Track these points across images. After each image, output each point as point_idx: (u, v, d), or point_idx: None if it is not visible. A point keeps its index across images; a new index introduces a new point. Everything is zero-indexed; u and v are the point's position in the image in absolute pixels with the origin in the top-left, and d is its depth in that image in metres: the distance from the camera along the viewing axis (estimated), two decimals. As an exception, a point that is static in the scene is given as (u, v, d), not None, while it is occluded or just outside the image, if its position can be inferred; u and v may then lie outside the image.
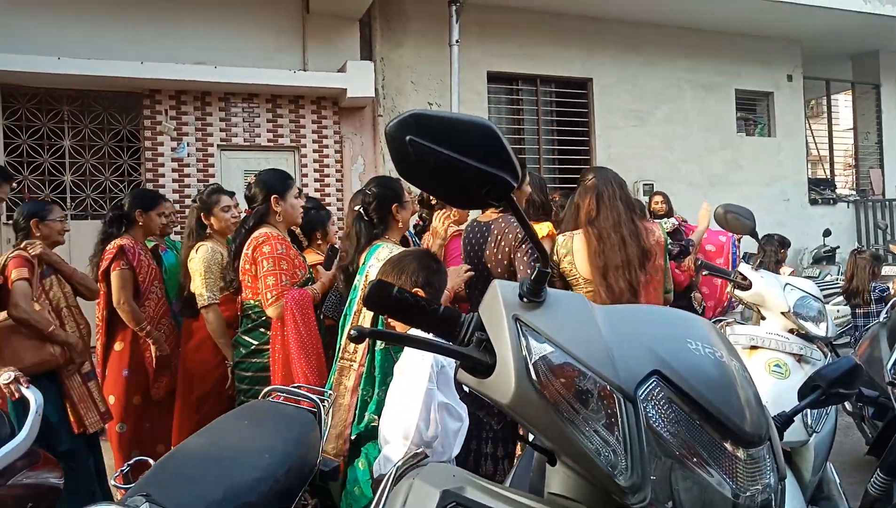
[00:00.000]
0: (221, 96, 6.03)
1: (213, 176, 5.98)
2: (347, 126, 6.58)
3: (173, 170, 5.85)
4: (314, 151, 6.38)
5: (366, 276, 2.48)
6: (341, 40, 6.46)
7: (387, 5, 6.75)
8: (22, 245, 2.90)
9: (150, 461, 1.52)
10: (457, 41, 6.39)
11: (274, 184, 2.86)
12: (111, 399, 3.33)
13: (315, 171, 6.35)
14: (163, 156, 5.84)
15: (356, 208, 2.66)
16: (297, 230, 3.60)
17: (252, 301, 2.81)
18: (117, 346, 3.44)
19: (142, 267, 3.44)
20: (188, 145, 5.90)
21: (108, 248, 3.40)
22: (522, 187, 3.01)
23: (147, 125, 5.81)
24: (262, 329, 2.81)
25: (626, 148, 7.90)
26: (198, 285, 3.10)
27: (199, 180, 5.92)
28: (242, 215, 3.92)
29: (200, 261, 3.12)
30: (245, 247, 2.80)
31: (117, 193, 5.86)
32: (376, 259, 2.46)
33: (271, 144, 6.22)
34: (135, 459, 1.60)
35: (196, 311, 3.18)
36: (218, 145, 6.04)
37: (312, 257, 3.43)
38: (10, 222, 3.46)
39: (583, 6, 7.40)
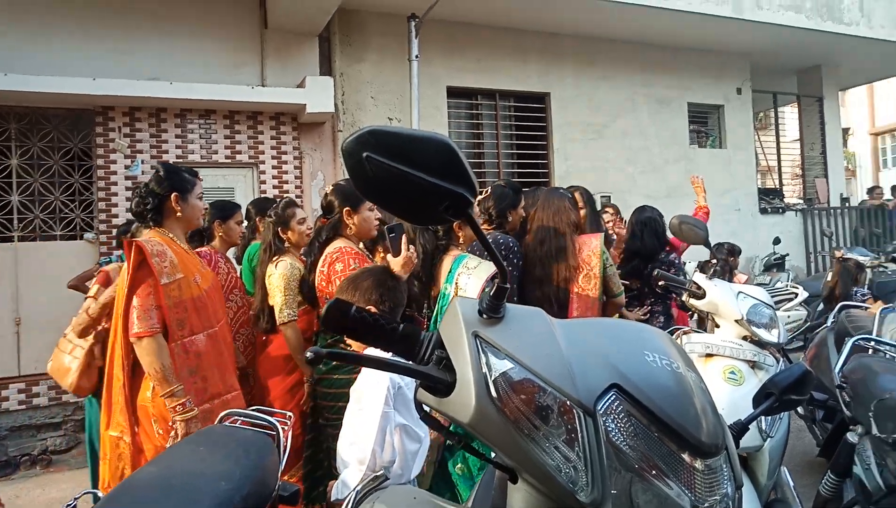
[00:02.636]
0: (177, 113, 5.92)
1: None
2: (307, 142, 6.53)
3: (127, 189, 5.70)
4: (273, 166, 6.31)
5: (455, 284, 2.52)
6: (300, 56, 6.43)
7: (346, 21, 6.75)
8: None
9: (100, 493, 1.45)
10: (416, 56, 6.42)
11: (349, 195, 2.81)
12: None
13: (274, 187, 6.28)
14: (116, 174, 5.69)
15: None
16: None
17: None
18: None
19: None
20: (142, 163, 5.76)
21: None
22: (518, 210, 3.15)
23: (99, 143, 5.65)
24: (342, 345, 2.76)
25: (585, 161, 8.03)
26: (278, 302, 3.09)
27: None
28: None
29: (280, 277, 3.10)
30: (320, 263, 2.78)
31: (68, 213, 5.68)
32: (465, 267, 2.54)
33: (229, 160, 6.13)
34: (83, 492, 1.53)
35: (272, 326, 3.17)
36: (174, 162, 5.92)
37: None
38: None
39: (541, 22, 7.53)
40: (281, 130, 6.35)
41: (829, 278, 5.56)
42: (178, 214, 2.50)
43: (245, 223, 4.08)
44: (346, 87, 6.77)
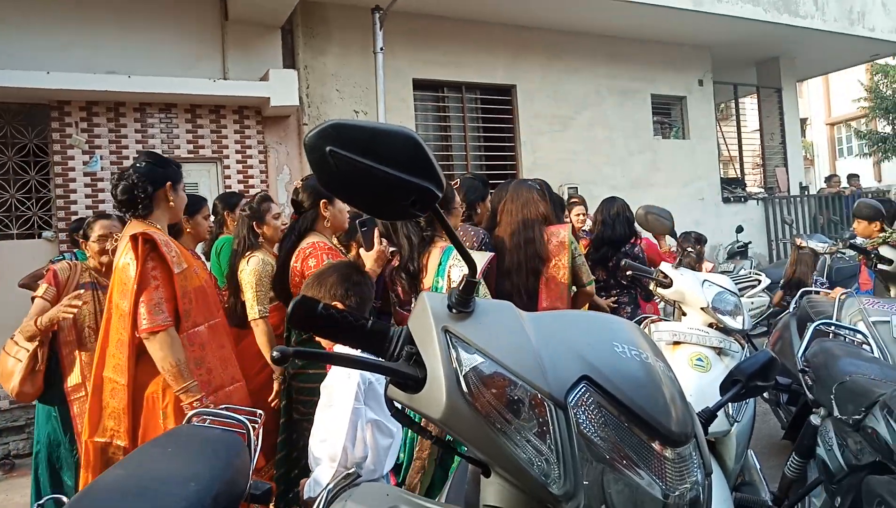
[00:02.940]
0: (137, 107, 5.77)
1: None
2: (272, 135, 6.43)
3: (86, 185, 5.54)
4: (237, 161, 6.20)
5: (448, 276, 2.50)
6: (263, 48, 6.31)
7: (309, 13, 6.65)
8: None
9: (64, 498, 1.41)
10: (381, 49, 6.37)
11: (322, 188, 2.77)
12: None
13: (239, 182, 6.17)
14: (74, 170, 5.53)
15: None
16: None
17: None
18: None
19: None
20: (101, 159, 5.61)
21: None
22: (486, 202, 3.14)
23: (56, 138, 5.48)
24: (314, 341, 2.72)
25: (551, 153, 8.08)
26: (249, 298, 3.06)
27: (114, 195, 5.63)
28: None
29: (252, 273, 3.07)
30: (293, 259, 2.74)
31: (24, 211, 5.50)
32: (456, 259, 2.50)
33: (192, 155, 6.00)
34: (47, 497, 1.49)
35: (242, 321, 3.12)
36: (134, 158, 5.77)
37: None
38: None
39: (506, 14, 7.53)
40: (245, 123, 6.24)
41: (788, 266, 5.71)
42: (171, 203, 2.45)
43: (212, 218, 4.01)
44: (311, 80, 6.69)
